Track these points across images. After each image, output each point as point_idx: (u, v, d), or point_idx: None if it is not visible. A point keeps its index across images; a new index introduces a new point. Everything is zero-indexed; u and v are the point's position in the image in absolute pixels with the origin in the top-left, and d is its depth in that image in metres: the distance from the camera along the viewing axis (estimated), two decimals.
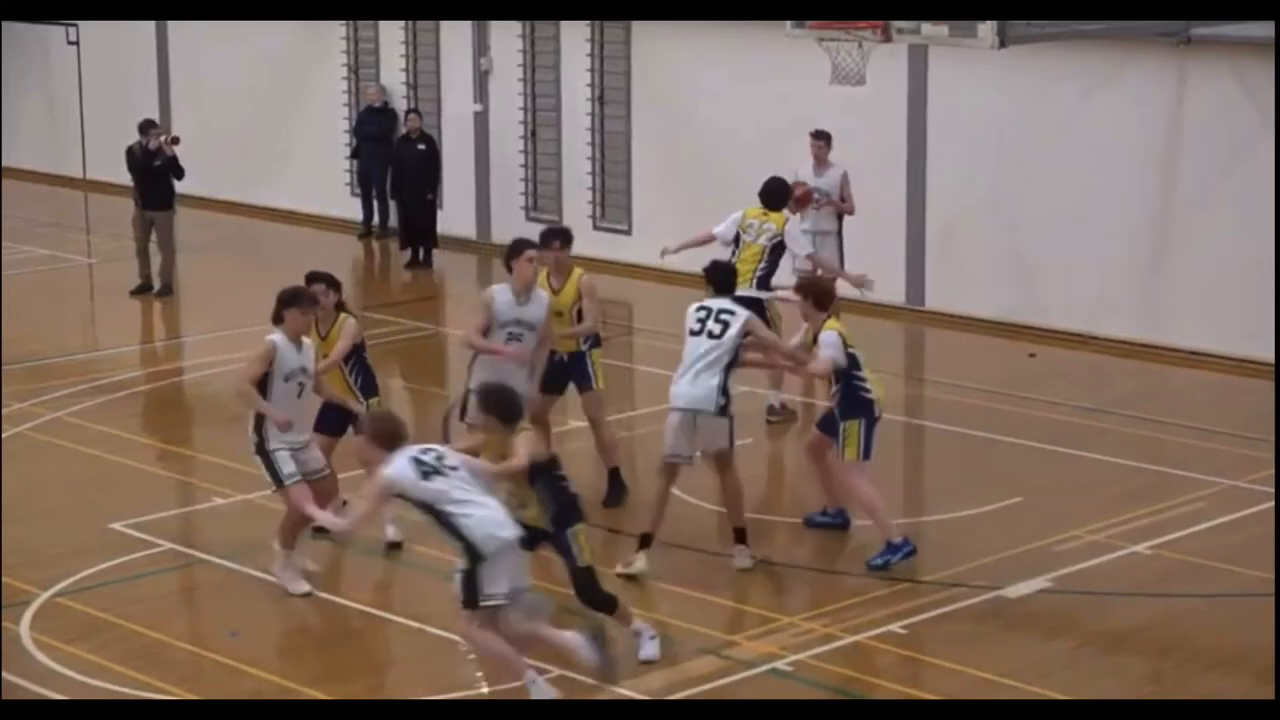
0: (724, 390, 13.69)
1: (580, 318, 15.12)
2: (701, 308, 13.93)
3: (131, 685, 11.78)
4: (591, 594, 12.00)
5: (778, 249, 17.12)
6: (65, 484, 16.13)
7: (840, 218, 19.72)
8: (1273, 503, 15.06)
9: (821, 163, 19.75)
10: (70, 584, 13.56)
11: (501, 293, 14.34)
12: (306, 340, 13.52)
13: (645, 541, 13.81)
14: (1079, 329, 20.71)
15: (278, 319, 13.29)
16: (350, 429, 13.90)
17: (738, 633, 12.73)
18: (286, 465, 13.17)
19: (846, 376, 13.78)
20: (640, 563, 13.68)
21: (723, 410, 13.69)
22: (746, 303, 14.72)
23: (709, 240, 17.40)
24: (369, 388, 14.49)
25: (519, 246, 14.51)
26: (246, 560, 14.05)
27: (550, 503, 11.75)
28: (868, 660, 12.23)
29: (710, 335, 13.77)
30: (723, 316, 13.81)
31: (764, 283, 16.81)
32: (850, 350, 13.78)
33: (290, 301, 13.35)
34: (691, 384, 13.70)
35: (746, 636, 12.64)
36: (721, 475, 13.97)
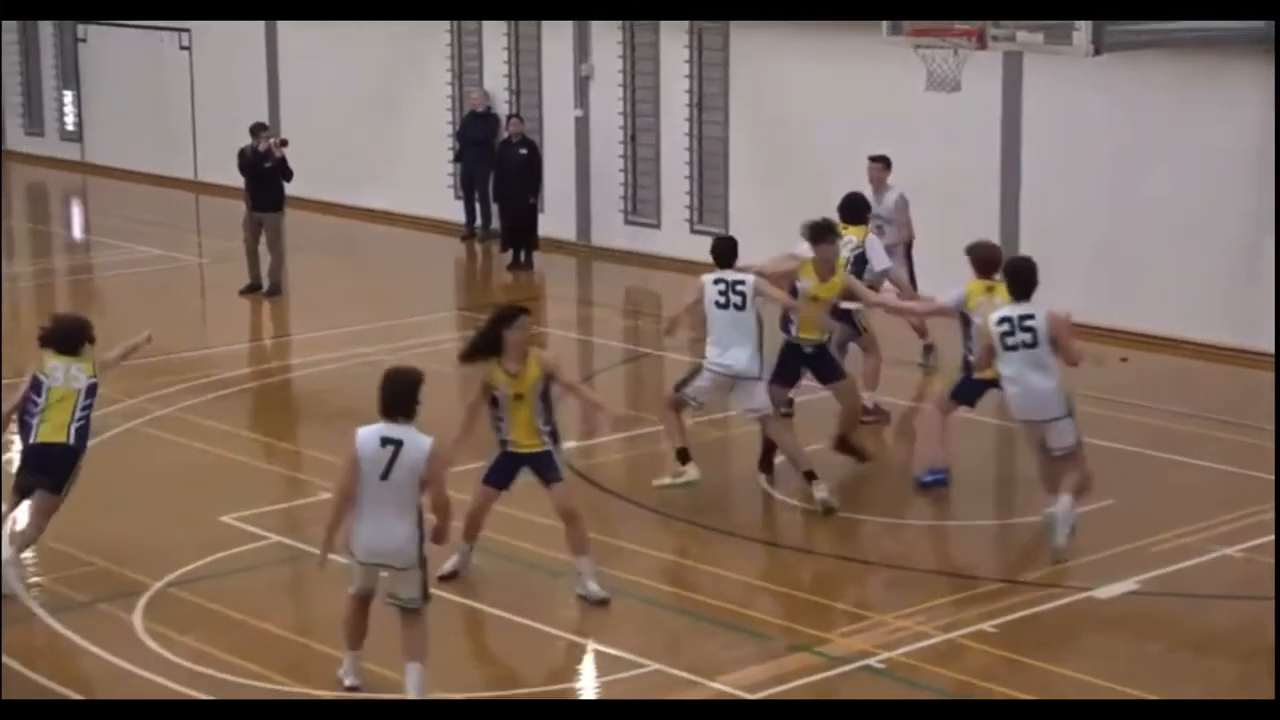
0: (760, 355, 15.02)
1: None
2: (718, 280, 15.04)
3: (238, 674, 11.89)
4: None
5: (859, 261, 17.11)
6: (176, 478, 16.28)
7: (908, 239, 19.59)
8: None
9: (880, 186, 19.51)
10: (181, 575, 13.70)
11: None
12: None
13: (684, 456, 15.19)
14: (1171, 334, 20.55)
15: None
16: None
17: (831, 630, 12.71)
18: None
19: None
20: (692, 472, 15.14)
21: (760, 375, 15.04)
22: (836, 314, 16.12)
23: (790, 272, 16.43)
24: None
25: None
26: (349, 553, 14.11)
27: None
28: (959, 659, 12.19)
29: (735, 308, 14.94)
30: (738, 289, 14.98)
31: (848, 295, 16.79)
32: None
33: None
34: (727, 354, 14.94)
35: (840, 633, 12.63)
36: (774, 434, 15.32)
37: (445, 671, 11.84)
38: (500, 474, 13.27)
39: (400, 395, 11.27)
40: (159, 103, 32.22)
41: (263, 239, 23.54)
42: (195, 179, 31.24)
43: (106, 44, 32.95)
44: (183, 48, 31.58)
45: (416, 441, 11.19)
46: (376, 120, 28.77)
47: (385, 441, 11.17)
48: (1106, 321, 20.99)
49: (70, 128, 34.32)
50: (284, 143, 23.71)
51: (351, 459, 11.26)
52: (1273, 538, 14.27)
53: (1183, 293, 20.57)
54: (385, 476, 11.16)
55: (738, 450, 16.69)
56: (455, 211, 27.37)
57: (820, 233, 15.46)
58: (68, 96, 34.28)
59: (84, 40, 33.49)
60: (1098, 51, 17.25)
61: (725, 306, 14.98)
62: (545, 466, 13.15)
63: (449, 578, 13.34)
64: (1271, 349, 19.70)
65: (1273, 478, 15.83)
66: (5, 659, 12.18)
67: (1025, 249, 21.76)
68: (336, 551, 11.56)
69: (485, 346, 13.05)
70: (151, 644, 12.42)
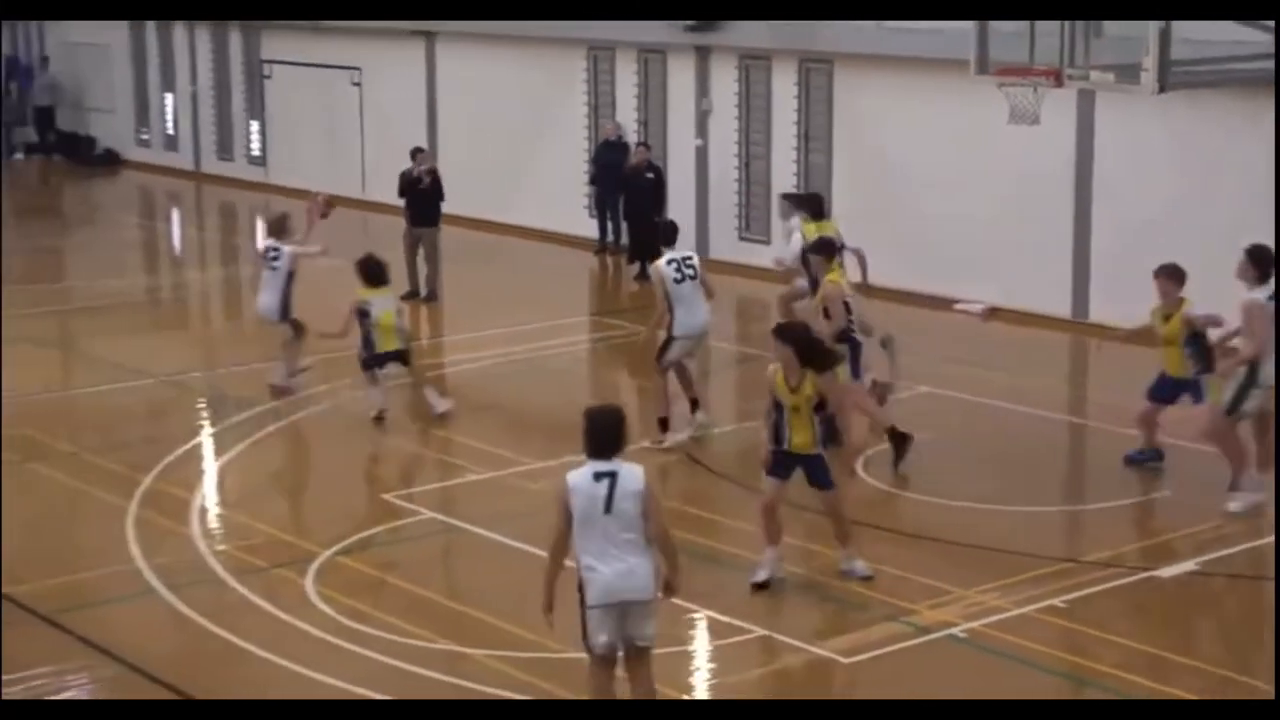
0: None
1: None
2: (671, 261, 16.14)
3: (400, 634, 11.94)
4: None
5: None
6: (346, 460, 16.41)
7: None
8: None
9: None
10: (347, 545, 13.79)
11: None
12: None
13: (664, 425, 16.23)
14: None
15: None
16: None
17: (917, 602, 12.60)
18: None
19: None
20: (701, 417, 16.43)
21: None
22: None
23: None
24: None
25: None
26: (496, 528, 14.19)
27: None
28: (1032, 630, 12.05)
29: (690, 278, 16.13)
30: (688, 263, 16.21)
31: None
32: None
33: None
34: (694, 317, 16.12)
35: (926, 606, 12.52)
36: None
37: (575, 632, 11.84)
38: (779, 468, 12.77)
39: (609, 433, 9.89)
40: (332, 131, 32.48)
41: (420, 251, 23.66)
42: (362, 197, 31.46)
43: (287, 80, 33.26)
44: (354, 84, 31.82)
45: (630, 471, 9.81)
46: (521, 148, 28.86)
47: (599, 475, 9.76)
48: None
49: (255, 153, 34.66)
50: (431, 171, 23.76)
51: (563, 503, 9.76)
52: None
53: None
54: (609, 509, 9.71)
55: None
56: (589, 228, 27.41)
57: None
58: (254, 126, 34.64)
59: (269, 77, 33.81)
60: (1162, 89, 17.00)
61: (682, 280, 16.09)
62: (816, 470, 12.75)
63: (763, 586, 12.68)
64: None
65: None
66: (192, 614, 12.31)
67: (1097, 260, 21.60)
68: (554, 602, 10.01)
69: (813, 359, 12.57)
70: (321, 605, 12.50)
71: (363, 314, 17.35)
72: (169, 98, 36.54)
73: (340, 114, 32.23)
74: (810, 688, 11.32)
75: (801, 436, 12.56)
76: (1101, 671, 11.22)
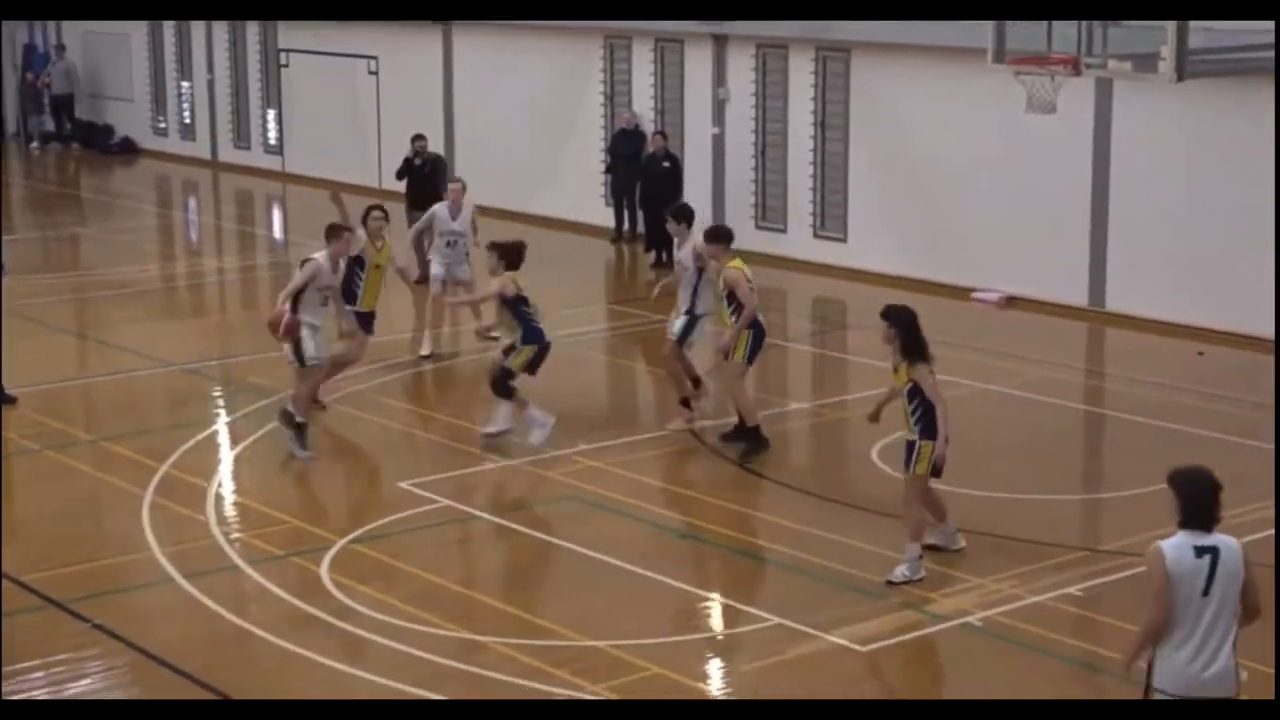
0: None
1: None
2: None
3: (413, 621, 11.95)
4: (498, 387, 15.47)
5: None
6: (363, 448, 16.43)
7: None
8: None
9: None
10: (362, 533, 13.81)
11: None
12: None
13: (686, 404, 16.46)
14: (1244, 330, 20.20)
15: None
16: None
17: (934, 590, 12.59)
18: None
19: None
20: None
21: None
22: None
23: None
24: None
25: None
26: (511, 516, 14.21)
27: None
28: (1049, 619, 12.04)
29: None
30: None
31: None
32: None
33: None
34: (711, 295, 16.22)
35: (942, 594, 12.51)
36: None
37: (586, 619, 11.86)
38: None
39: (1208, 503, 8.77)
40: (349, 120, 32.49)
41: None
42: (379, 186, 31.45)
43: (304, 69, 33.28)
44: (371, 73, 31.82)
45: (1229, 545, 8.63)
46: (538, 137, 28.85)
47: (1200, 551, 8.60)
48: (1188, 319, 20.70)
49: (273, 142, 34.70)
50: (424, 152, 24.00)
51: (1162, 577, 8.59)
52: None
53: (1253, 290, 20.21)
54: (1207, 592, 8.58)
55: (852, 430, 16.59)
56: (606, 217, 27.40)
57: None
58: (270, 115, 34.67)
59: (285, 66, 33.83)
60: (1180, 78, 16.93)
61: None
62: (908, 454, 12.72)
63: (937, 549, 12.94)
64: None
65: None
66: (208, 601, 12.34)
67: (1113, 249, 21.57)
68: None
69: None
70: (336, 593, 12.52)
71: (520, 300, 16.02)
72: (186, 86, 36.59)
73: (357, 103, 32.24)
74: (824, 676, 11.30)
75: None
76: (1118, 660, 11.17)
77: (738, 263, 15.93)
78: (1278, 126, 18.66)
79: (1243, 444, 16.10)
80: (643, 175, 25.98)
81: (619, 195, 27.03)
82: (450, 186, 20.40)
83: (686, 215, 17.07)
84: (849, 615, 12.12)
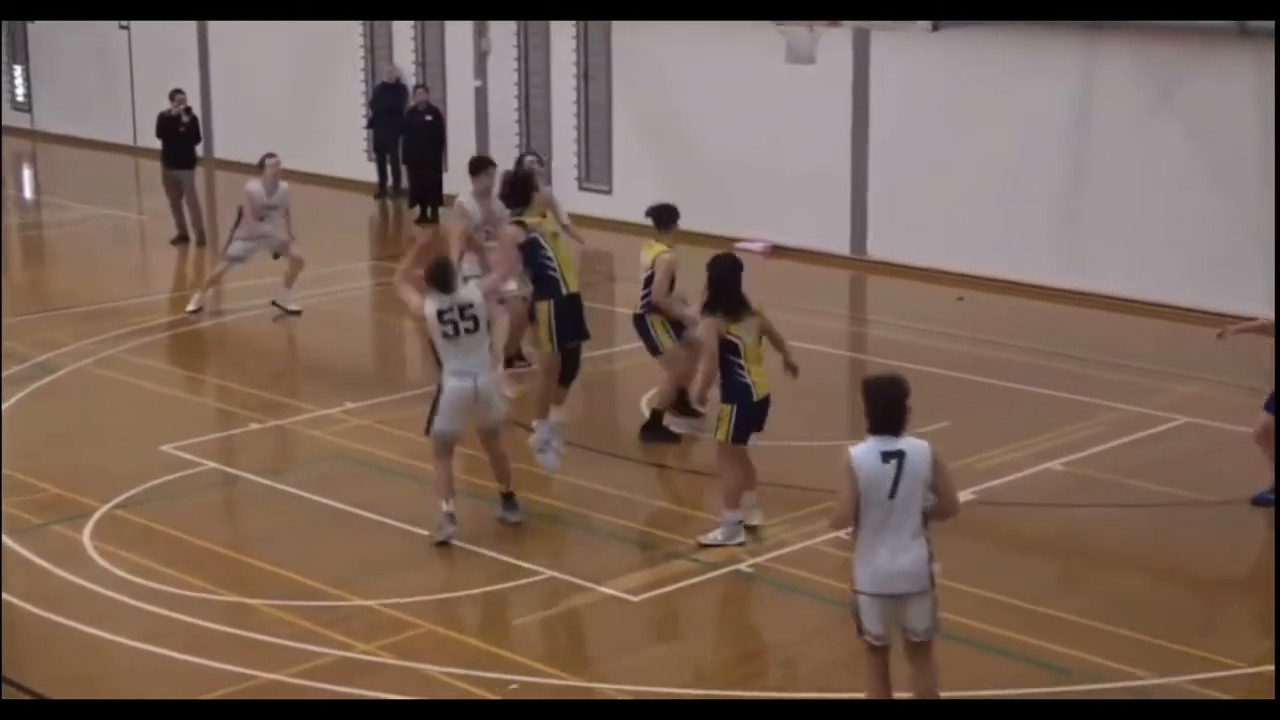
0: None
1: None
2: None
3: (179, 586, 11.77)
4: None
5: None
6: (121, 412, 16.10)
7: None
8: (1165, 425, 15.16)
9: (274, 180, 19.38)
10: (125, 499, 13.54)
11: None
12: None
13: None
14: (1002, 275, 20.71)
15: None
16: None
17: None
18: None
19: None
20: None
21: None
22: None
23: None
24: None
25: None
26: (278, 477, 14.06)
27: None
28: (818, 562, 12.20)
29: None
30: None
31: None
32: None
33: None
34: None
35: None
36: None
37: (357, 579, 11.80)
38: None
39: (894, 409, 9.00)
40: (101, 75, 31.73)
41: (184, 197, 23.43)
42: (134, 144, 30.80)
43: (52, 23, 32.37)
44: (121, 27, 31.08)
45: (917, 448, 8.95)
46: (297, 91, 28.47)
47: (887, 456, 8.89)
48: (946, 265, 21.16)
49: (20, 99, 33.74)
50: (188, 110, 23.71)
51: (850, 480, 8.89)
52: (1089, 451, 14.46)
53: (1010, 237, 20.73)
54: (893, 494, 8.89)
55: (620, 382, 16.68)
56: (369, 173, 27.16)
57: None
58: (17, 70, 33.70)
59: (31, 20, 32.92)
60: (935, 28, 17.28)
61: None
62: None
63: None
64: (1086, 287, 19.94)
65: (1084, 398, 16.04)
66: None
67: (874, 198, 21.96)
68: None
69: None
70: (100, 560, 12.28)
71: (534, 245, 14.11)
72: None
73: (109, 58, 31.48)
74: (598, 626, 11.38)
75: None
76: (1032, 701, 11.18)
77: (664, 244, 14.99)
78: (1277, 124, 18.19)
79: (1001, 385, 16.53)
80: (405, 129, 25.79)
81: (381, 151, 26.81)
82: (268, 161, 19.50)
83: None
84: (621, 566, 12.21)
